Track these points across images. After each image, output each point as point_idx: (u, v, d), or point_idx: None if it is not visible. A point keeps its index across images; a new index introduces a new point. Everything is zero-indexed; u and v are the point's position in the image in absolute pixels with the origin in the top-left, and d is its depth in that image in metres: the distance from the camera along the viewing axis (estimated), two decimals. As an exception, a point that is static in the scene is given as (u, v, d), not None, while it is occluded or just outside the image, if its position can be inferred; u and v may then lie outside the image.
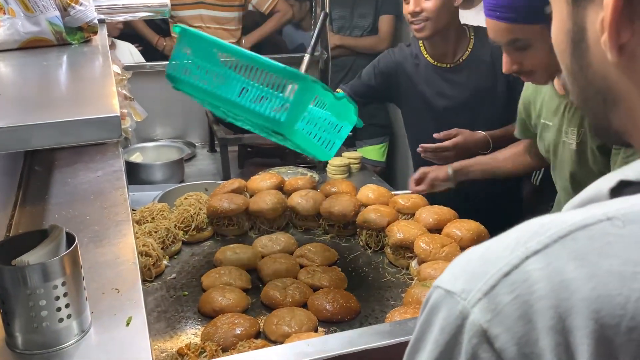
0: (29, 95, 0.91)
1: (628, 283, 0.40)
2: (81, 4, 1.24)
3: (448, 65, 2.14)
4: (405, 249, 1.67)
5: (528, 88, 1.80)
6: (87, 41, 1.26)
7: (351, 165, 2.57)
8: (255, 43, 3.71)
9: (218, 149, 2.75)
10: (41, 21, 1.20)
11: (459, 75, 2.13)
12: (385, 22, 3.55)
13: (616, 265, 0.41)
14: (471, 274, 0.45)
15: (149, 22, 3.52)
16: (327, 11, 2.77)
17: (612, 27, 0.49)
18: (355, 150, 3.12)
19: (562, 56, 0.58)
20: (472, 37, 2.12)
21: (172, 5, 3.50)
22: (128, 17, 1.50)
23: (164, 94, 2.72)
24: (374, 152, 3.54)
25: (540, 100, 1.75)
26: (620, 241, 0.42)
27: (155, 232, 1.70)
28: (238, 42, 3.63)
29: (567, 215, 0.46)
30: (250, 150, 2.67)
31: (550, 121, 1.70)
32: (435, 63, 2.16)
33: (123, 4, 1.47)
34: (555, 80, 1.67)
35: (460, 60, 2.12)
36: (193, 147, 2.81)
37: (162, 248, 1.69)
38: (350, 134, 3.00)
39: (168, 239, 1.72)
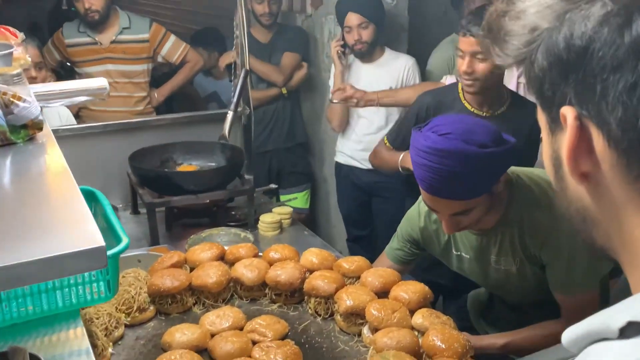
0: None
1: None
2: (24, 101, 1.18)
3: (484, 114, 2.21)
4: (356, 315, 1.69)
5: (428, 225, 1.82)
6: (31, 138, 1.20)
7: (282, 221, 2.57)
8: (167, 96, 3.65)
9: (141, 210, 2.67)
10: (-17, 122, 1.13)
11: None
12: (286, 57, 3.63)
13: None
14: None
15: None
16: (248, 68, 2.78)
17: (570, 157, 0.56)
18: (280, 200, 3.14)
19: (550, 178, 0.65)
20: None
21: (77, 62, 3.42)
22: (66, 102, 1.44)
23: (80, 156, 2.61)
24: (298, 200, 3.57)
25: (444, 236, 1.79)
26: None
27: (97, 319, 1.62)
28: (148, 95, 3.56)
29: None
30: (177, 212, 2.61)
31: (468, 254, 1.77)
32: (472, 110, 2.23)
33: (60, 90, 1.40)
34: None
35: (496, 113, 2.21)
36: (115, 210, 2.69)
37: (105, 335, 1.61)
38: (275, 185, 3.04)
39: (111, 325, 1.64)
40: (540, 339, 1.62)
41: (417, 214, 1.86)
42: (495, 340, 1.71)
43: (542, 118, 0.62)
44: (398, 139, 2.43)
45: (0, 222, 0.83)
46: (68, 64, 3.51)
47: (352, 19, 3.06)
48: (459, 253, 1.79)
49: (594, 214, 0.58)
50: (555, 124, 0.58)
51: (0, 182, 1.02)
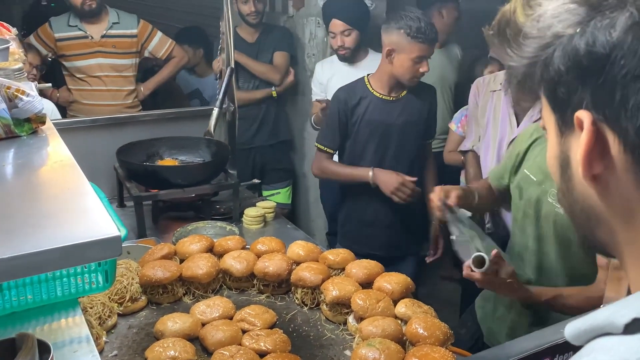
0: (11, 211, 0.89)
1: None
2: (28, 95, 1.22)
3: (390, 98, 2.61)
4: (342, 305, 1.76)
5: (524, 139, 1.95)
6: (34, 132, 1.24)
7: (266, 215, 2.63)
8: (153, 90, 3.69)
9: (127, 204, 2.70)
10: (-11, 116, 1.17)
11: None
12: (279, 56, 3.70)
13: None
14: None
15: (43, 75, 3.38)
16: (233, 66, 2.83)
17: (585, 160, 0.58)
18: (262, 195, 3.19)
19: (554, 177, 0.68)
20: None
21: (69, 56, 3.45)
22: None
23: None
24: (280, 195, 3.63)
25: (533, 155, 1.88)
26: None
27: (91, 308, 1.66)
28: (135, 89, 3.60)
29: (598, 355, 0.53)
30: (162, 205, 2.65)
31: (535, 176, 1.83)
32: (380, 95, 2.62)
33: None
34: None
35: (400, 96, 2.62)
36: (101, 204, 2.72)
37: (99, 324, 1.65)
38: (258, 180, 3.09)
39: (104, 314, 1.68)
40: (584, 300, 1.70)
41: (531, 131, 1.96)
42: (543, 291, 1.75)
43: (549, 119, 0.64)
44: (333, 138, 2.69)
45: (17, 212, 0.88)
46: (49, 59, 3.52)
47: (337, 25, 3.14)
48: (527, 173, 1.86)
49: (600, 212, 0.61)
50: (566, 126, 0.60)
51: (11, 174, 1.06)
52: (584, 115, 0.57)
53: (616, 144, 0.56)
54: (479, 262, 1.58)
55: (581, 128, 0.58)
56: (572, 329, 0.59)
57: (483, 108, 2.71)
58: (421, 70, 2.52)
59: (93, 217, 0.88)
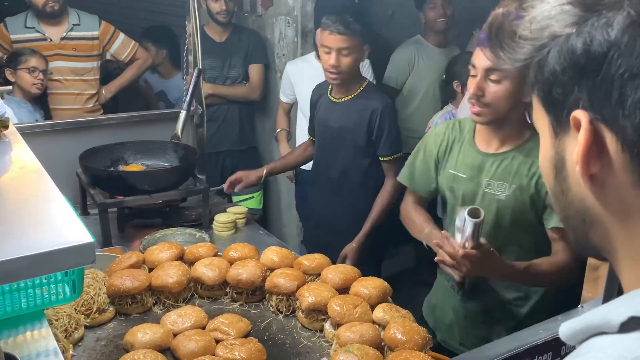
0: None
1: None
2: (-11, 97, 1.15)
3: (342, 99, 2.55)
4: (318, 311, 1.73)
5: (436, 142, 1.96)
6: (-4, 136, 1.18)
7: (237, 220, 2.58)
8: (115, 93, 3.59)
9: (91, 211, 2.61)
10: (-52, 119, 1.10)
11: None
12: (255, 70, 3.65)
13: None
14: None
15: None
16: (201, 67, 2.77)
17: (583, 160, 0.58)
18: (233, 201, 3.13)
19: (546, 179, 0.67)
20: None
21: (25, 59, 3.30)
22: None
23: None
24: (252, 201, 3.57)
25: (454, 155, 1.91)
26: None
27: (57, 320, 1.59)
28: (97, 93, 3.50)
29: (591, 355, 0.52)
30: (128, 213, 2.57)
31: (464, 173, 1.87)
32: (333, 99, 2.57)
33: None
34: (479, 140, 1.86)
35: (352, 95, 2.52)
36: (64, 211, 2.63)
37: (65, 336, 1.58)
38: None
39: (70, 326, 1.61)
40: (552, 265, 1.76)
41: (443, 131, 1.96)
42: (516, 264, 1.76)
43: (543, 120, 0.63)
44: (310, 126, 2.80)
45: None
46: (3, 61, 3.39)
47: None
48: (456, 173, 1.89)
49: (596, 214, 0.61)
50: (561, 127, 0.60)
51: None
52: (580, 115, 0.57)
53: (614, 142, 0.56)
54: (475, 213, 1.60)
55: (577, 128, 0.58)
56: (566, 328, 0.58)
57: None
58: (329, 62, 2.34)
59: (64, 224, 0.84)
